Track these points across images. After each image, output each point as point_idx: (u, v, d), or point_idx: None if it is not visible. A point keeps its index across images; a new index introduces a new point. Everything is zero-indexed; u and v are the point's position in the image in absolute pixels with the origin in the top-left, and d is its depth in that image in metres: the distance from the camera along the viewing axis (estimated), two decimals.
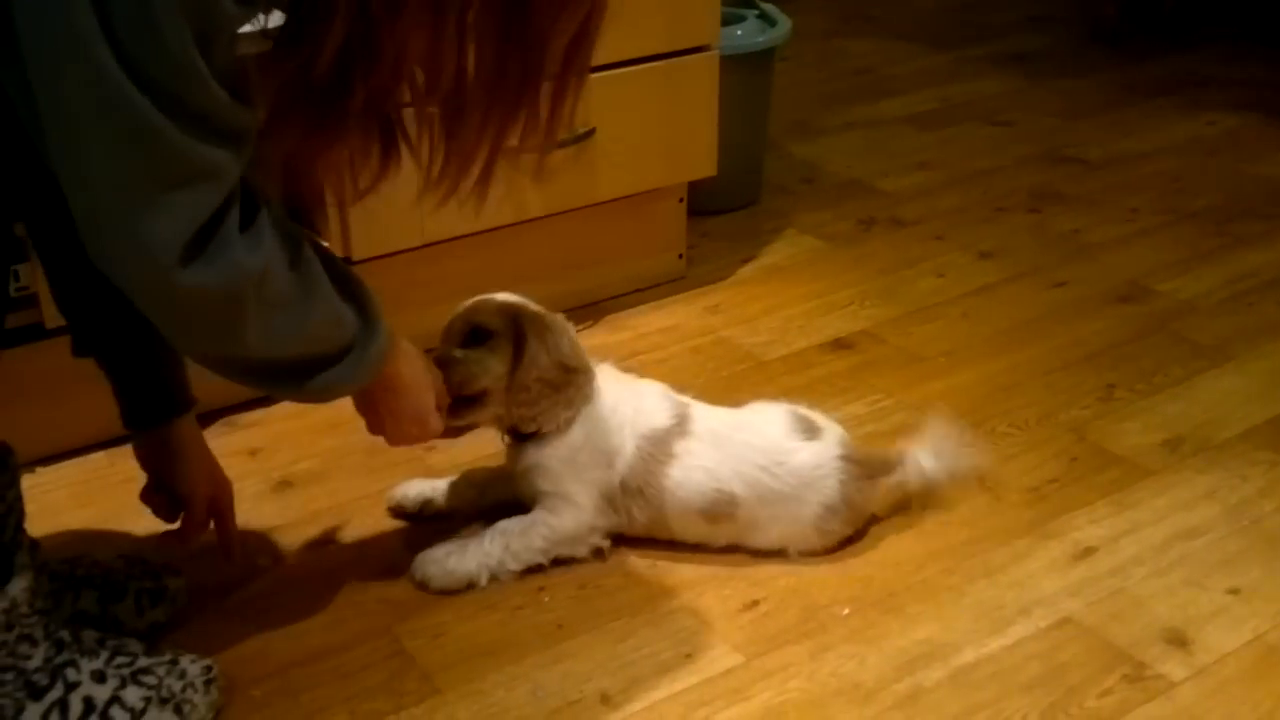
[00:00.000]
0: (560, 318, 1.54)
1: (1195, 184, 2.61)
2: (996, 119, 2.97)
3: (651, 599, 1.47)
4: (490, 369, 1.48)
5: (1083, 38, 3.55)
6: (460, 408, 1.48)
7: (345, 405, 1.83)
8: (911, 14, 3.85)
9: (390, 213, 1.80)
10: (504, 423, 1.54)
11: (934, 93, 3.15)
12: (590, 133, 1.94)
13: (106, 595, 1.39)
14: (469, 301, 1.53)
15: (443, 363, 1.47)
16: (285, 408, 1.84)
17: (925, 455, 1.58)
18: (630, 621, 1.44)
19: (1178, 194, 2.56)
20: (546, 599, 1.47)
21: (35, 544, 1.26)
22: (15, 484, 1.23)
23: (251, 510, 1.62)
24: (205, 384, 1.78)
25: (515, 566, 1.50)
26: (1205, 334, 2.03)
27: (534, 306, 1.53)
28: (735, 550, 1.53)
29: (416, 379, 1.36)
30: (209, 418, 1.80)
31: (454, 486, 1.62)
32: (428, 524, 1.59)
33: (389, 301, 1.89)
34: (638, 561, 1.53)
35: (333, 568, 1.53)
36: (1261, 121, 2.94)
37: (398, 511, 1.62)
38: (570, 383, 1.49)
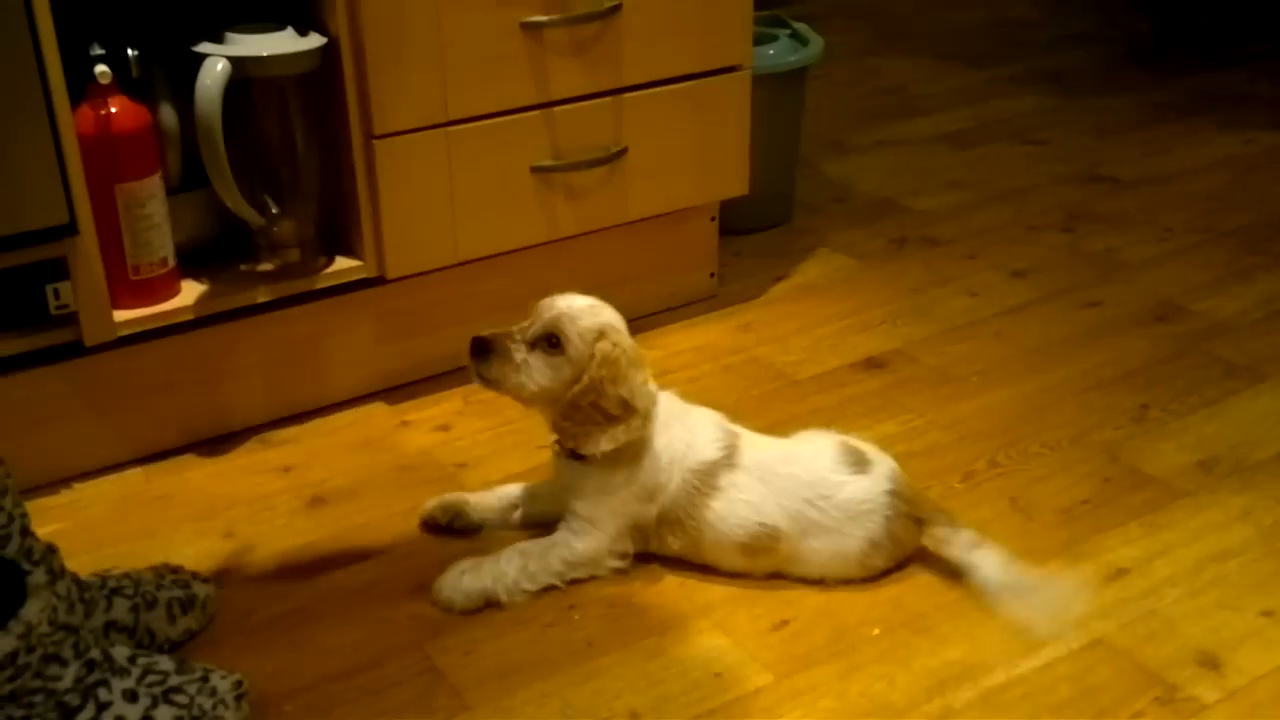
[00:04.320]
0: (641, 353, 1.52)
1: (1231, 203, 2.60)
2: (1030, 138, 2.97)
3: (682, 617, 1.48)
4: (538, 379, 1.48)
5: (1118, 55, 3.54)
6: (480, 355, 1.47)
7: (378, 422, 1.86)
8: (945, 33, 3.84)
9: (424, 231, 1.83)
10: (548, 424, 1.54)
11: (967, 111, 3.15)
12: (623, 152, 1.95)
13: (138, 605, 1.40)
14: (563, 303, 1.49)
15: (500, 348, 1.46)
16: (319, 425, 1.86)
17: (989, 564, 1.49)
18: (660, 640, 1.44)
19: (1213, 213, 2.54)
20: (577, 616, 1.48)
21: (52, 549, 1.26)
22: (8, 493, 1.22)
23: (285, 526, 1.64)
24: (239, 401, 1.82)
25: (530, 587, 1.50)
26: (1240, 354, 2.02)
27: (624, 335, 1.50)
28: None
29: None
30: (242, 435, 1.82)
31: (485, 501, 1.63)
32: (459, 542, 1.60)
33: (423, 320, 1.92)
34: (669, 580, 1.53)
35: (365, 584, 1.54)
36: None
37: (429, 523, 1.62)
38: (623, 420, 1.48)
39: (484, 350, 1.47)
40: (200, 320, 1.74)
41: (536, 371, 1.48)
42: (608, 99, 1.93)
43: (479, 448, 1.80)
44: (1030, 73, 3.43)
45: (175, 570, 1.47)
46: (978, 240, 2.44)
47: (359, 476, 1.74)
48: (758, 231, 2.45)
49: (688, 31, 1.97)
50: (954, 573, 1.52)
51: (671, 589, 1.52)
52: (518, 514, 1.62)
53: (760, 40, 2.32)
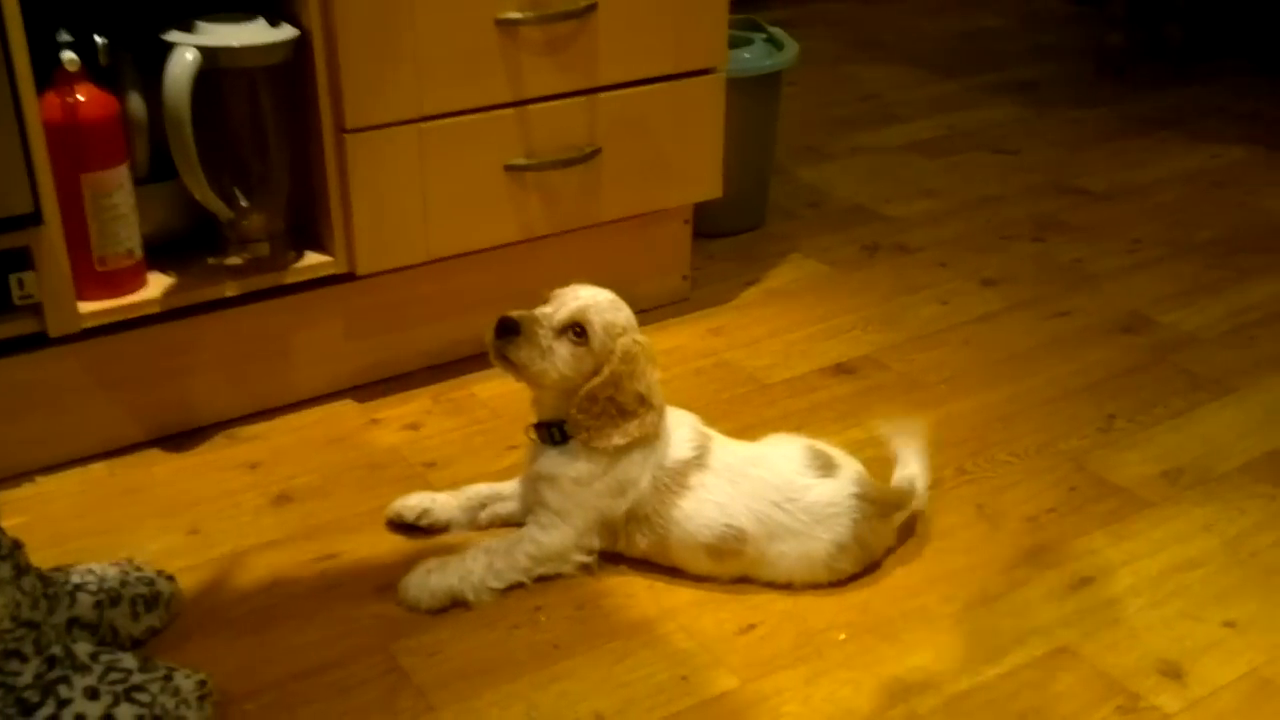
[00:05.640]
0: (654, 352, 1.53)
1: (1199, 216, 2.61)
2: (1002, 147, 2.98)
3: (648, 620, 1.47)
4: (560, 368, 1.47)
5: (1089, 68, 3.56)
6: (506, 336, 1.47)
7: (346, 419, 1.85)
8: (919, 41, 3.86)
9: (396, 228, 1.82)
10: (544, 411, 1.53)
11: (940, 120, 3.16)
12: (597, 152, 1.95)
13: (102, 601, 1.39)
14: (586, 294, 1.50)
15: (528, 331, 1.46)
16: (287, 422, 1.84)
17: (920, 476, 1.60)
18: (627, 643, 1.44)
19: (1181, 226, 2.56)
20: (543, 618, 1.47)
21: (18, 544, 1.25)
22: None
23: (250, 524, 1.62)
24: (206, 396, 1.80)
25: (497, 585, 1.49)
26: (1206, 366, 2.03)
27: (638, 333, 1.52)
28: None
29: None
30: (209, 430, 1.81)
31: (453, 500, 1.62)
32: (426, 541, 1.59)
33: (393, 318, 1.91)
34: (635, 582, 1.53)
35: (330, 583, 1.52)
36: (1266, 155, 2.95)
37: (396, 522, 1.61)
38: (638, 415, 1.49)
39: (511, 331, 1.47)
40: (167, 313, 1.72)
41: (559, 359, 1.47)
42: (582, 98, 1.92)
43: (448, 447, 1.80)
44: (1003, 83, 3.45)
45: (139, 567, 1.45)
46: (949, 248, 2.45)
47: (326, 474, 1.73)
48: (731, 235, 2.45)
49: (663, 33, 1.96)
50: (921, 565, 1.56)
51: (638, 591, 1.52)
52: (485, 514, 1.61)
53: (735, 44, 2.32)
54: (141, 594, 1.42)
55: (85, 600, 1.37)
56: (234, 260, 1.77)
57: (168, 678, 1.28)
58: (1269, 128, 3.10)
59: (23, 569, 1.24)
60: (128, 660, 1.28)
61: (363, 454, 1.78)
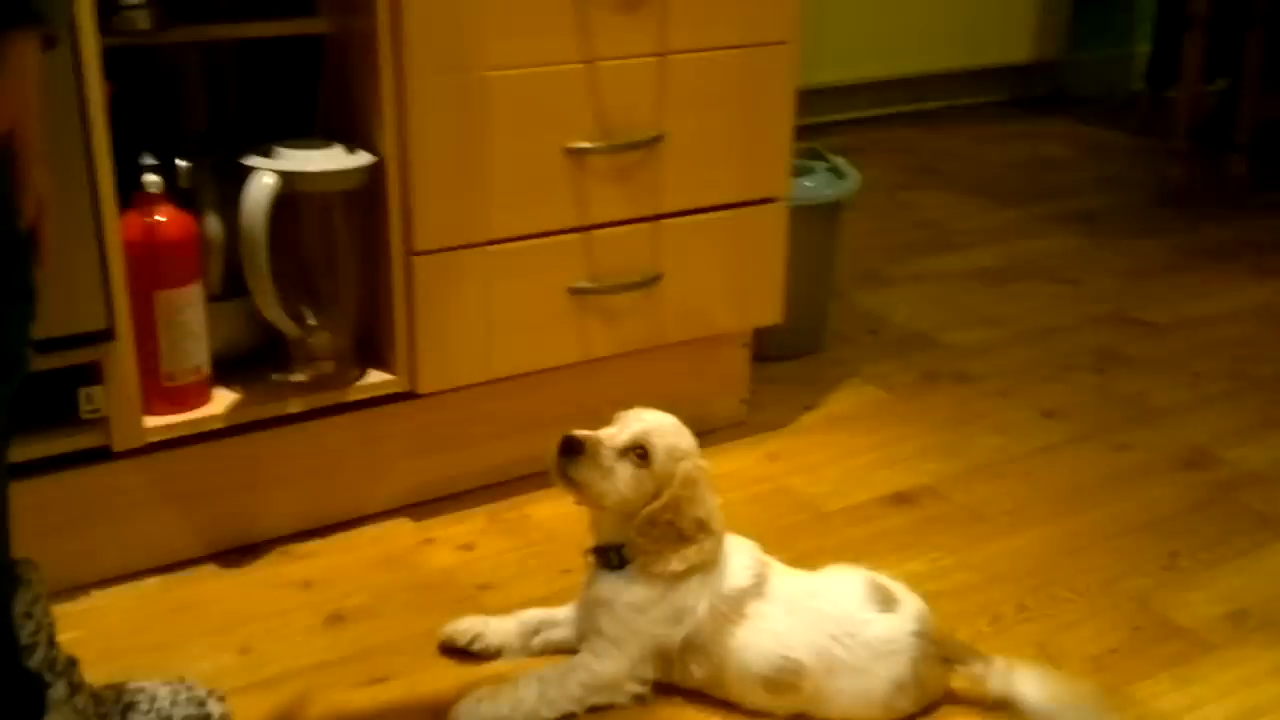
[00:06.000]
0: (713, 478, 1.54)
1: (1263, 350, 2.59)
2: (1062, 277, 2.98)
3: None
4: (621, 489, 1.48)
5: (1150, 199, 3.57)
6: (569, 454, 1.47)
7: (401, 539, 1.85)
8: (979, 170, 3.88)
9: (459, 348, 1.84)
10: (602, 534, 1.53)
11: (1000, 249, 3.16)
12: (659, 277, 1.97)
13: None
14: (650, 418, 1.52)
15: (592, 451, 1.46)
16: (340, 540, 1.85)
17: (1031, 687, 1.48)
18: None
19: (1244, 360, 2.54)
20: None
21: (73, 661, 1.25)
22: (41, 600, 1.23)
23: (303, 644, 1.62)
24: (263, 512, 1.81)
25: (549, 715, 1.47)
26: (1271, 504, 2.00)
27: (700, 458, 1.53)
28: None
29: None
30: (264, 547, 1.81)
31: (505, 625, 1.61)
32: (478, 667, 1.58)
33: (452, 436, 1.92)
34: (689, 714, 1.51)
35: (381, 707, 1.51)
36: None
37: (448, 646, 1.60)
38: (697, 541, 1.49)
39: (574, 450, 1.47)
40: (230, 429, 1.74)
41: (621, 480, 1.48)
42: (646, 224, 1.95)
43: (502, 569, 1.79)
44: (1063, 213, 3.45)
45: (190, 686, 1.45)
46: (1009, 378, 2.44)
47: (379, 594, 1.73)
48: (790, 359, 2.46)
49: (728, 162, 1.99)
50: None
51: None
52: (538, 640, 1.60)
53: (798, 172, 2.34)
54: (192, 715, 1.42)
55: None
56: (299, 377, 1.79)
57: None
58: None
59: (76, 687, 1.24)
60: None
61: (416, 574, 1.78)
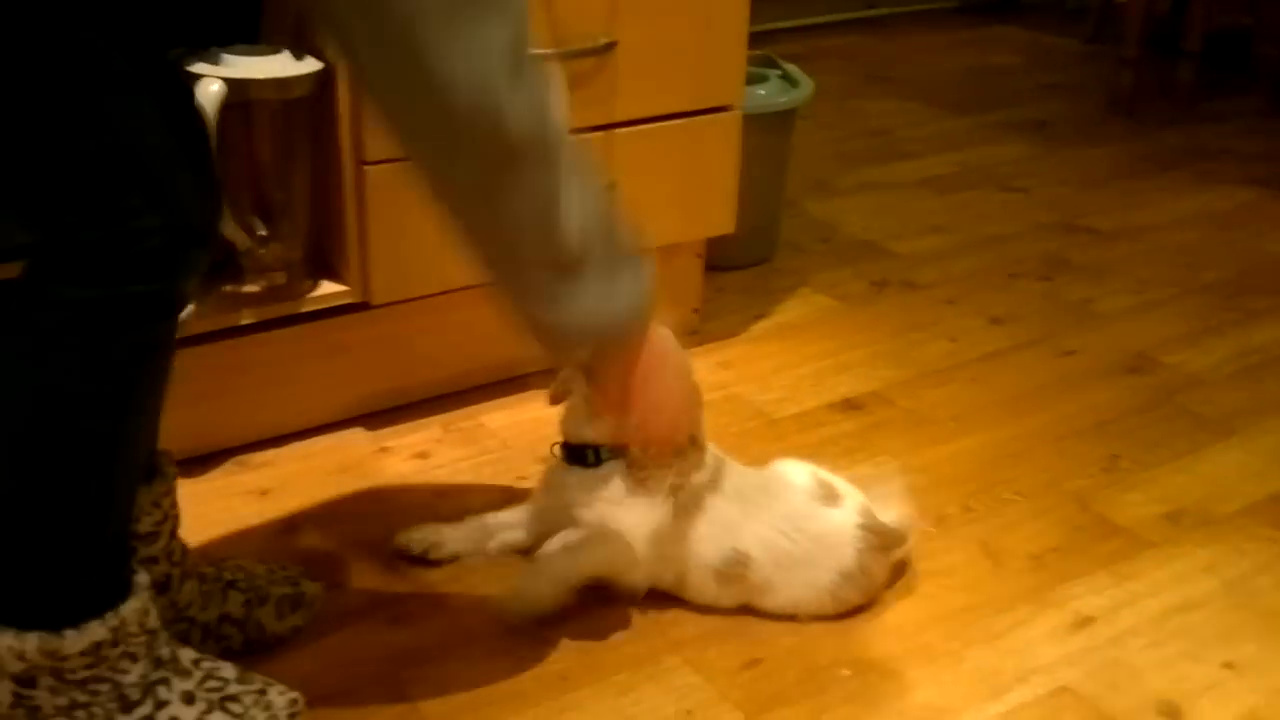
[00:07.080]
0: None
1: (1206, 257, 2.63)
2: (1011, 185, 3.00)
3: (654, 653, 1.49)
4: None
5: (1099, 107, 3.59)
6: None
7: (356, 448, 1.86)
8: (929, 77, 3.88)
9: (412, 259, 1.84)
10: (579, 433, 1.52)
11: (950, 157, 3.18)
12: (611, 186, 1.96)
13: (251, 600, 1.42)
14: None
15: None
16: (295, 450, 1.86)
17: (909, 515, 1.61)
18: (633, 675, 1.45)
19: (1188, 267, 2.58)
20: (551, 650, 1.49)
21: (185, 550, 1.29)
22: (171, 493, 1.28)
23: (260, 552, 1.63)
24: (218, 422, 1.82)
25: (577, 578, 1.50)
26: (1211, 407, 2.05)
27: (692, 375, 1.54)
28: (740, 608, 1.55)
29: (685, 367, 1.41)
30: (219, 457, 1.82)
31: (458, 533, 1.63)
32: (435, 571, 1.60)
33: (406, 346, 1.93)
34: (641, 614, 1.54)
35: (338, 612, 1.53)
36: (1275, 196, 2.97)
37: (402, 554, 1.63)
38: (687, 455, 1.50)
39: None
40: (182, 340, 1.73)
41: None
42: (599, 133, 1.94)
43: (457, 476, 1.81)
44: (1013, 121, 3.47)
45: (284, 566, 1.49)
46: (957, 286, 2.47)
47: (336, 503, 1.75)
48: (741, 269, 2.47)
49: (681, 70, 1.99)
50: (924, 602, 1.57)
51: (645, 625, 1.53)
52: (494, 543, 1.62)
53: (751, 80, 2.34)
54: (287, 593, 1.46)
55: (235, 598, 1.41)
56: (250, 288, 1.79)
57: (262, 691, 1.30)
58: (1279, 170, 3.11)
59: (186, 573, 1.29)
60: (226, 670, 1.30)
61: (372, 482, 1.80)
